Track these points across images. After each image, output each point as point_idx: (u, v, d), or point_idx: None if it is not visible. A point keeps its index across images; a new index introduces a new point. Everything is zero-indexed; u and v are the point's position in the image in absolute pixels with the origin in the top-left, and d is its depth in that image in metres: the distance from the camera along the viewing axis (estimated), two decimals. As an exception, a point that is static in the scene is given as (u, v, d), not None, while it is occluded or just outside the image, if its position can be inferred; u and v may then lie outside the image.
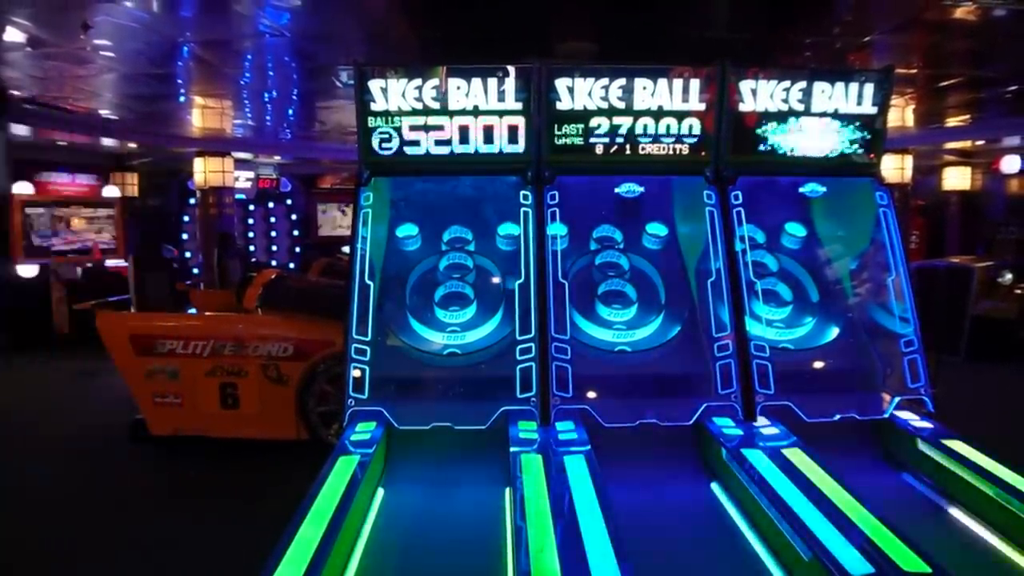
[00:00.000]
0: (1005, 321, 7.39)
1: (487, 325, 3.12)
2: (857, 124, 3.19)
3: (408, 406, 2.86)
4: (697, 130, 3.14)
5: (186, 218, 12.16)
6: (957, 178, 11.93)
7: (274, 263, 12.75)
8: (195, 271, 11.23)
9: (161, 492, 4.18)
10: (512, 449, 2.49)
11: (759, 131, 3.17)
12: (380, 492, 2.54)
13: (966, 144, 10.52)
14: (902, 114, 8.10)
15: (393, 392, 2.91)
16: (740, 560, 2.12)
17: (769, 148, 3.19)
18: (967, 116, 8.51)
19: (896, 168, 9.87)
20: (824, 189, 3.39)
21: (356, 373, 2.86)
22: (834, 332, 3.18)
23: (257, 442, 4.69)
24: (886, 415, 2.87)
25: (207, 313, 5.44)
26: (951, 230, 12.15)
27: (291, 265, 12.88)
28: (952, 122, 8.86)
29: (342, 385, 2.88)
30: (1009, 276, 7.80)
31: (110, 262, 9.45)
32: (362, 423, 2.77)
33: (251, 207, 13.13)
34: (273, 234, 13.43)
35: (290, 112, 8.58)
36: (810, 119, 3.17)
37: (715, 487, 2.56)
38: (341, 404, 2.85)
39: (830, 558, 1.82)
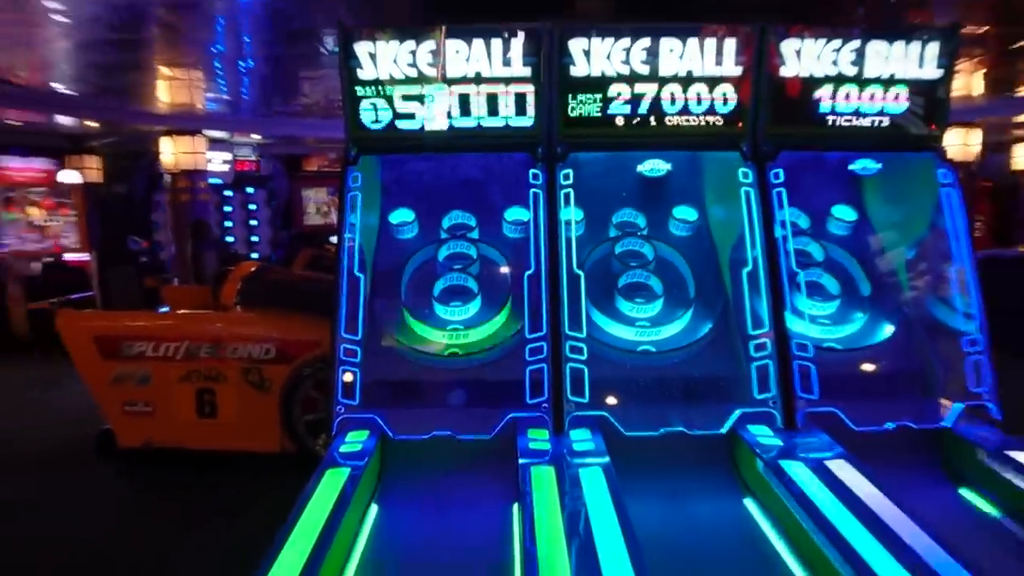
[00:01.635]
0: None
1: (493, 322, 3.14)
2: (917, 90, 3.16)
3: (404, 413, 2.88)
4: (732, 99, 3.13)
5: (156, 205, 12.25)
6: (1032, 155, 11.79)
7: (254, 255, 12.84)
8: (166, 265, 11.32)
9: (130, 511, 4.23)
10: (521, 461, 2.51)
11: (803, 99, 3.15)
12: (373, 509, 2.57)
13: (1043, 115, 10.39)
14: (968, 81, 8.01)
15: (387, 398, 2.94)
16: (778, 586, 2.14)
17: (815, 119, 3.17)
18: (1045, 82, 8.41)
19: (960, 144, 9.78)
20: (878, 166, 3.38)
21: (346, 377, 2.89)
22: (887, 330, 3.17)
23: (237, 454, 4.74)
24: (946, 424, 2.86)
25: (180, 311, 5.50)
26: (1022, 215, 12.02)
27: (273, 257, 12.95)
28: (1027, 90, 8.76)
29: (330, 391, 2.90)
30: (1093, 266, 7.72)
31: (71, 256, 9.55)
32: (353, 432, 2.79)
33: (228, 192, 13.19)
34: (253, 223, 13.49)
35: (269, 84, 8.62)
36: (863, 85, 3.14)
37: (750, 503, 2.57)
38: (329, 412, 2.88)
39: (880, 584, 1.83)
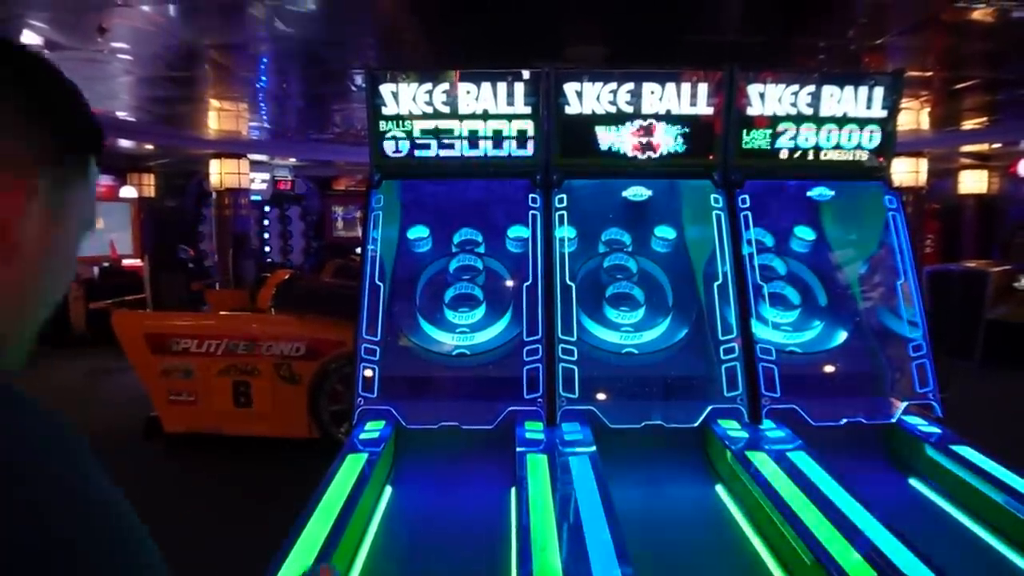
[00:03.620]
0: (1021, 326, 7.30)
1: (496, 326, 3.14)
2: (867, 128, 3.18)
3: (417, 406, 2.88)
4: (705, 134, 3.13)
5: (203, 219, 12.29)
6: (973, 181, 11.82)
7: (288, 264, 12.88)
8: (210, 271, 11.36)
9: (173, 488, 4.24)
10: (518, 449, 2.50)
11: (767, 135, 3.16)
12: (388, 490, 2.56)
13: (982, 147, 10.41)
14: (917, 117, 8.04)
15: (402, 392, 2.93)
16: (742, 562, 2.13)
17: (777, 152, 3.18)
18: (983, 119, 8.43)
19: (911, 171, 9.79)
20: (833, 193, 3.38)
21: (367, 373, 2.88)
22: (842, 336, 3.16)
23: (269, 440, 4.74)
24: (893, 420, 2.84)
25: (221, 312, 5.51)
26: (967, 234, 12.03)
27: (305, 266, 12.99)
28: (968, 125, 8.78)
29: (352, 384, 2.89)
30: (1026, 280, 7.70)
31: (126, 262, 9.58)
32: (371, 422, 2.79)
33: (267, 208, 13.25)
34: (288, 235, 13.55)
35: (305, 115, 8.67)
36: (819, 123, 3.16)
37: (720, 489, 2.56)
38: (351, 403, 2.87)
39: (832, 562, 1.82)
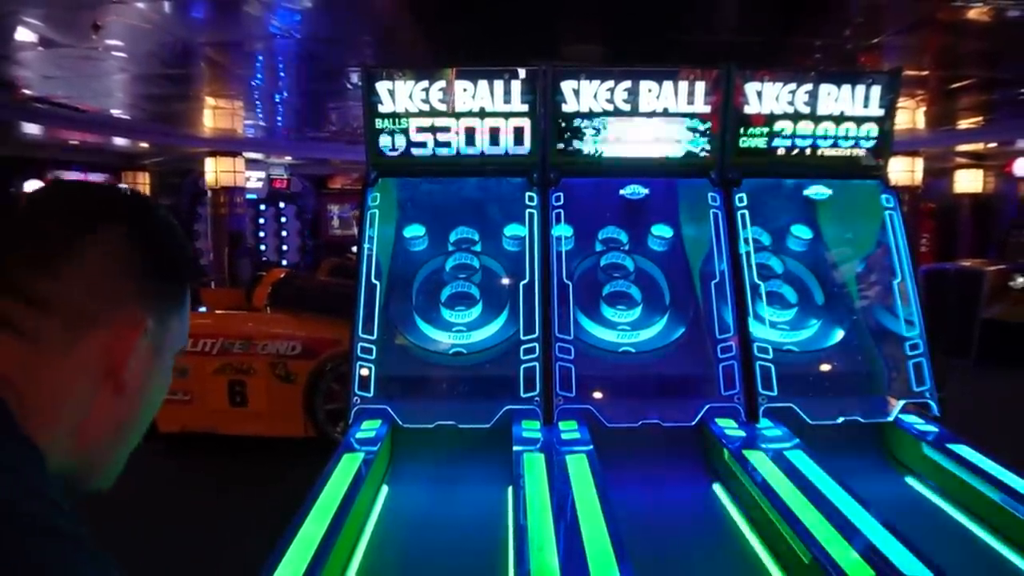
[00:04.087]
0: (1017, 325, 7.33)
1: (492, 325, 3.12)
2: (864, 126, 3.18)
3: (413, 404, 2.86)
4: (702, 133, 3.13)
5: (198, 217, 12.26)
6: (969, 181, 11.86)
7: (284, 262, 12.85)
8: (206, 269, 11.33)
9: (168, 488, 4.22)
10: (515, 448, 2.49)
11: (765, 134, 3.16)
12: (384, 489, 2.55)
13: (978, 146, 10.45)
14: (913, 116, 8.06)
15: (398, 391, 2.92)
16: (740, 561, 2.13)
17: (774, 151, 3.18)
18: (979, 118, 8.46)
19: (906, 171, 9.83)
20: (830, 192, 3.38)
21: (363, 372, 2.87)
22: (839, 335, 3.16)
23: (265, 439, 4.72)
24: (890, 418, 2.84)
25: (217, 311, 5.49)
26: (963, 233, 12.06)
27: (301, 264, 12.96)
28: (964, 124, 8.81)
29: (348, 383, 2.88)
30: (1021, 280, 7.73)
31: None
32: (367, 421, 2.78)
33: (262, 207, 13.22)
34: (283, 234, 13.51)
35: (301, 113, 8.64)
36: (816, 121, 3.15)
37: (717, 488, 2.56)
38: (347, 402, 2.86)
39: (830, 561, 1.82)
